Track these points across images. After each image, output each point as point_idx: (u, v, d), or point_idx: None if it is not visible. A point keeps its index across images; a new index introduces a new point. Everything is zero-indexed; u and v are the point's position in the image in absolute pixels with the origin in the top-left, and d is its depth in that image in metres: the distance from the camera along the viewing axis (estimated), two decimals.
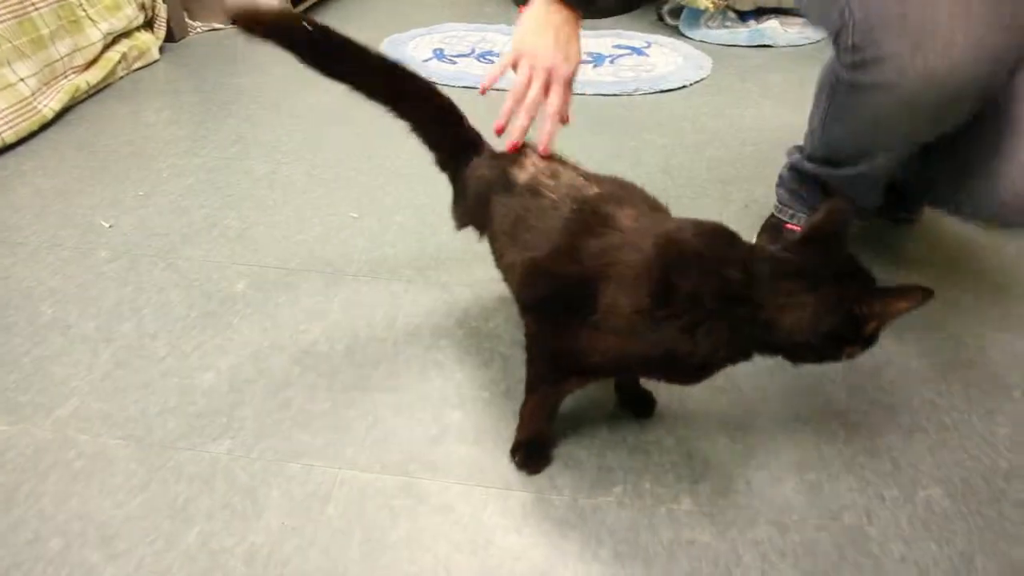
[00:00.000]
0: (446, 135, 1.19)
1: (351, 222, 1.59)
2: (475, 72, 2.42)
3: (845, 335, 0.83)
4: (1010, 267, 1.53)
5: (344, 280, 1.45)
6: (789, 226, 1.44)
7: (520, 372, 1.06)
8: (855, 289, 0.83)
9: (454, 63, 2.51)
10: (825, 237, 0.85)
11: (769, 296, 0.82)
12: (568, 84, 1.16)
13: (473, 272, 1.46)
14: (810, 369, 1.15)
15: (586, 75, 2.41)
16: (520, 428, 1.10)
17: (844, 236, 0.86)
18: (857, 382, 1.23)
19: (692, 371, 0.89)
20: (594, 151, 1.95)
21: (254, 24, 1.05)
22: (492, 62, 2.50)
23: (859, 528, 1.02)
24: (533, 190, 1.05)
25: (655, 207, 1.02)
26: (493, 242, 1.14)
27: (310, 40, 1.08)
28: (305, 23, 1.07)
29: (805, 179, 1.42)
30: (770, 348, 0.86)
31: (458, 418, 1.16)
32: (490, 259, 1.15)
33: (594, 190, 1.02)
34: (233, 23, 1.05)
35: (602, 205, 0.98)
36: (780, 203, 1.49)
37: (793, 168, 1.46)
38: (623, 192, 1.04)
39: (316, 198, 1.72)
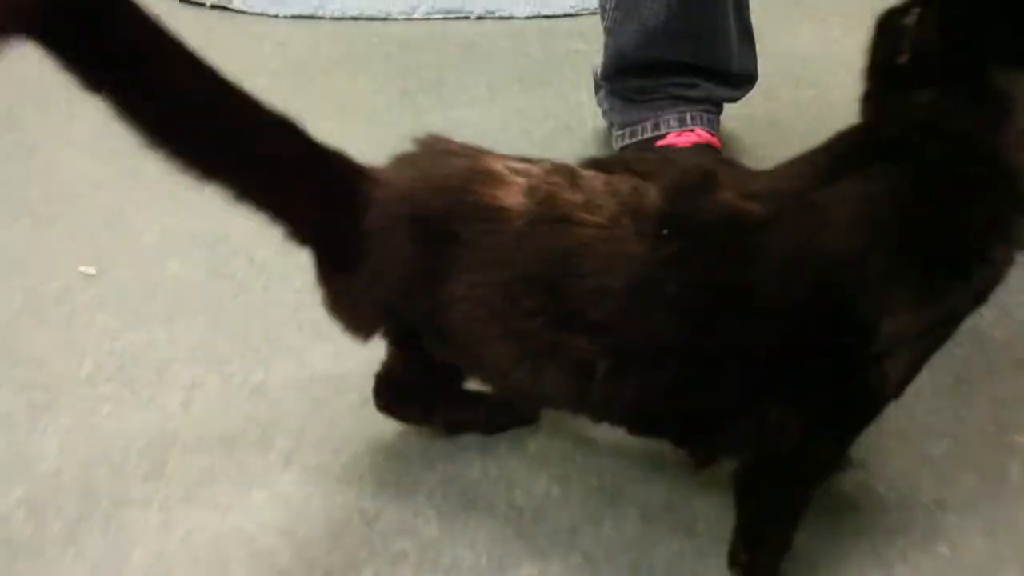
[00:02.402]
0: (304, 186, 0.73)
1: (88, 280, 1.06)
2: None
3: None
4: None
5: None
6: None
7: None
8: None
9: None
10: None
11: None
12: None
13: None
14: None
15: None
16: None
17: None
18: None
19: None
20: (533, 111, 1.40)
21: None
22: None
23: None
24: (556, 217, 0.66)
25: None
26: (478, 338, 0.68)
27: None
28: None
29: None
30: None
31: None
32: None
33: (650, 189, 0.66)
34: None
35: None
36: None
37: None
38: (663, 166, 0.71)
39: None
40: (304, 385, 0.89)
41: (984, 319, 0.95)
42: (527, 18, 1.70)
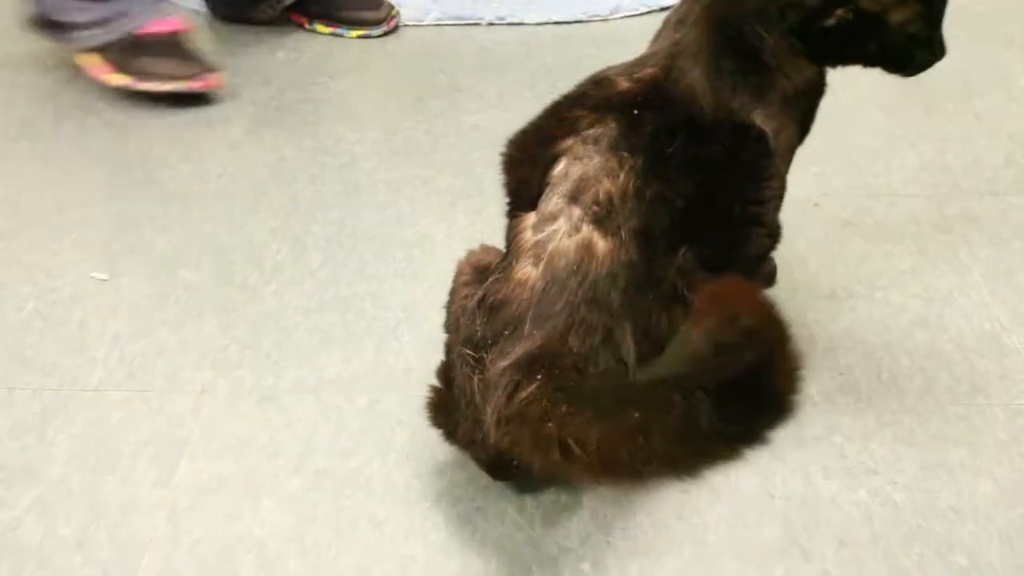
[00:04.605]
0: None
1: (100, 286, 1.05)
2: None
3: None
4: None
5: None
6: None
7: None
8: None
9: None
10: None
11: None
12: None
13: None
14: None
15: None
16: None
17: None
18: None
19: None
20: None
21: None
22: None
23: None
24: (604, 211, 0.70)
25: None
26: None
27: None
28: None
29: None
30: None
31: None
32: None
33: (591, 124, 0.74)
34: None
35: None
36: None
37: None
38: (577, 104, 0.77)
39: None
40: (313, 390, 0.89)
41: (1001, 326, 0.94)
42: (538, 24, 1.69)
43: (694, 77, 0.77)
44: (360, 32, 1.61)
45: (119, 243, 1.12)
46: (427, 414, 0.76)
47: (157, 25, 1.42)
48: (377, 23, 1.61)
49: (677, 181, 0.72)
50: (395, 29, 1.65)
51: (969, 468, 0.78)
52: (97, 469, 0.82)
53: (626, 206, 0.70)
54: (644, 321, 0.69)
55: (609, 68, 0.80)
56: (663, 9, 1.62)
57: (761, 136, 0.78)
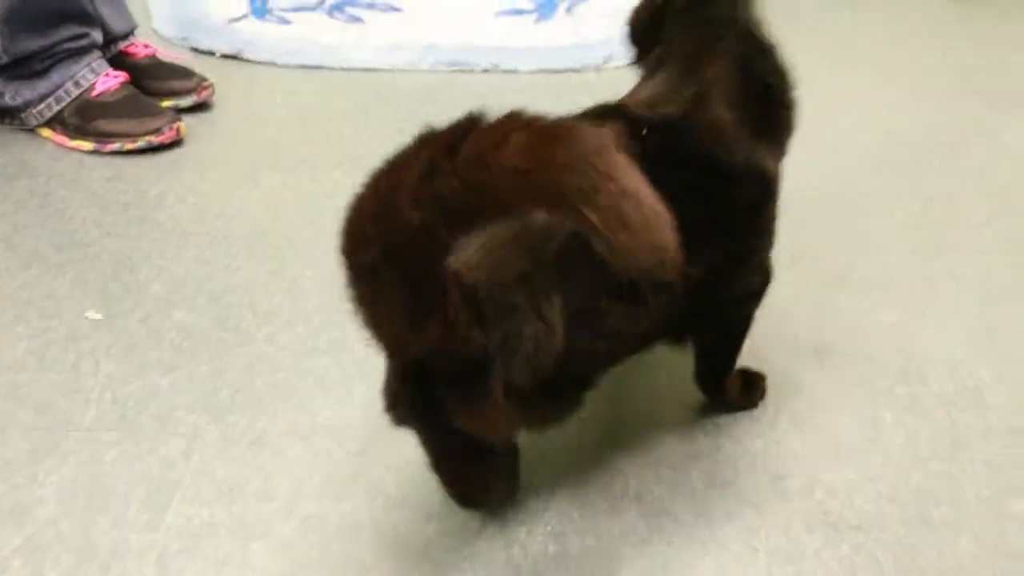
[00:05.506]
0: None
1: (94, 326, 1.06)
2: (325, 39, 1.79)
3: None
4: None
5: None
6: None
7: None
8: None
9: (287, 22, 1.87)
10: None
11: None
12: None
13: None
14: None
15: (523, 35, 1.81)
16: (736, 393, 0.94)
17: None
18: None
19: None
20: None
21: None
22: (354, 17, 1.88)
23: None
24: None
25: None
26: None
27: None
28: None
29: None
30: None
31: None
32: None
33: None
34: None
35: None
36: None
37: None
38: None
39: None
40: (305, 434, 0.90)
41: (983, 382, 0.97)
42: (532, 72, 1.73)
43: (721, 119, 0.79)
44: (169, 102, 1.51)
45: (114, 283, 1.12)
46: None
47: (105, 82, 1.44)
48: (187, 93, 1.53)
49: (675, 196, 0.68)
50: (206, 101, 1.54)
51: (951, 524, 0.80)
52: (87, 510, 0.82)
53: None
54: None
55: (624, 97, 0.82)
56: None
57: (773, 180, 0.82)
